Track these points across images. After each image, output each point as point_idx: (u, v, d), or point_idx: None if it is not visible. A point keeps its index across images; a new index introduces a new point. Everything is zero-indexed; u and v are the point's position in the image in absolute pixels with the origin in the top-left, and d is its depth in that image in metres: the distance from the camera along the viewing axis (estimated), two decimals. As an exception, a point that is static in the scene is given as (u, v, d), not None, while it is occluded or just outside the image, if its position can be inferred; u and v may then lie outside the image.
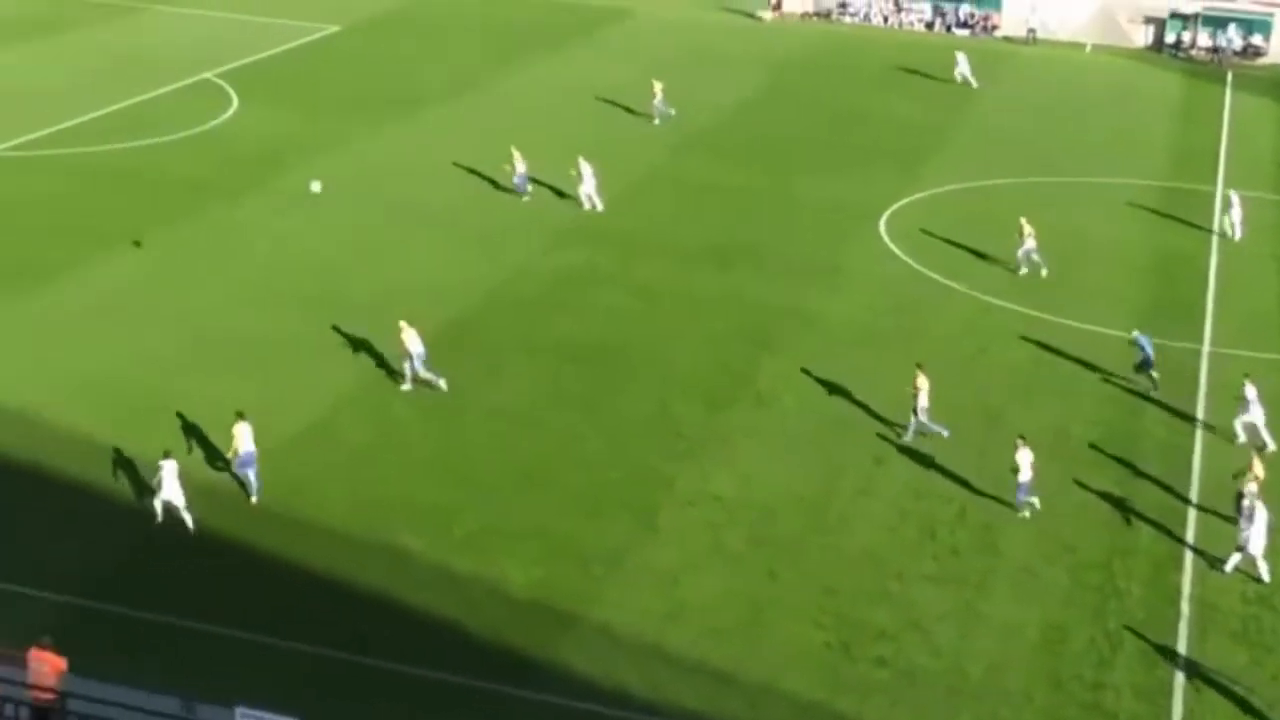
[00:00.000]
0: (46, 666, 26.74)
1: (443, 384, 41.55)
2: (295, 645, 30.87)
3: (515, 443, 39.44)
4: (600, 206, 55.83)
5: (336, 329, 44.93)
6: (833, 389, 42.57)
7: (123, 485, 36.63)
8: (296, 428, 39.58)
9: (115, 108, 65.19)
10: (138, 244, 47.40)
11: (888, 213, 56.87)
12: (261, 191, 56.46)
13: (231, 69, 71.97)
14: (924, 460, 39.03)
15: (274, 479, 36.74)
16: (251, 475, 36.09)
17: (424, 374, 41.52)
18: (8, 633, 28.93)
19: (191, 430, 38.90)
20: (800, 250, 53.20)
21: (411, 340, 41.39)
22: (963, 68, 76.84)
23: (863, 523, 36.44)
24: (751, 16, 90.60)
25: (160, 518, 34.84)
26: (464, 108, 67.93)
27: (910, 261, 52.21)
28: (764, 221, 55.81)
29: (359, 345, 43.91)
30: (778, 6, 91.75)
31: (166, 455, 34.98)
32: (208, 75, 70.67)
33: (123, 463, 37.48)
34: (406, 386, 41.68)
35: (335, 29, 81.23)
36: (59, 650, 26.94)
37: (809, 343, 45.93)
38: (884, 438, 40.19)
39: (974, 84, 76.09)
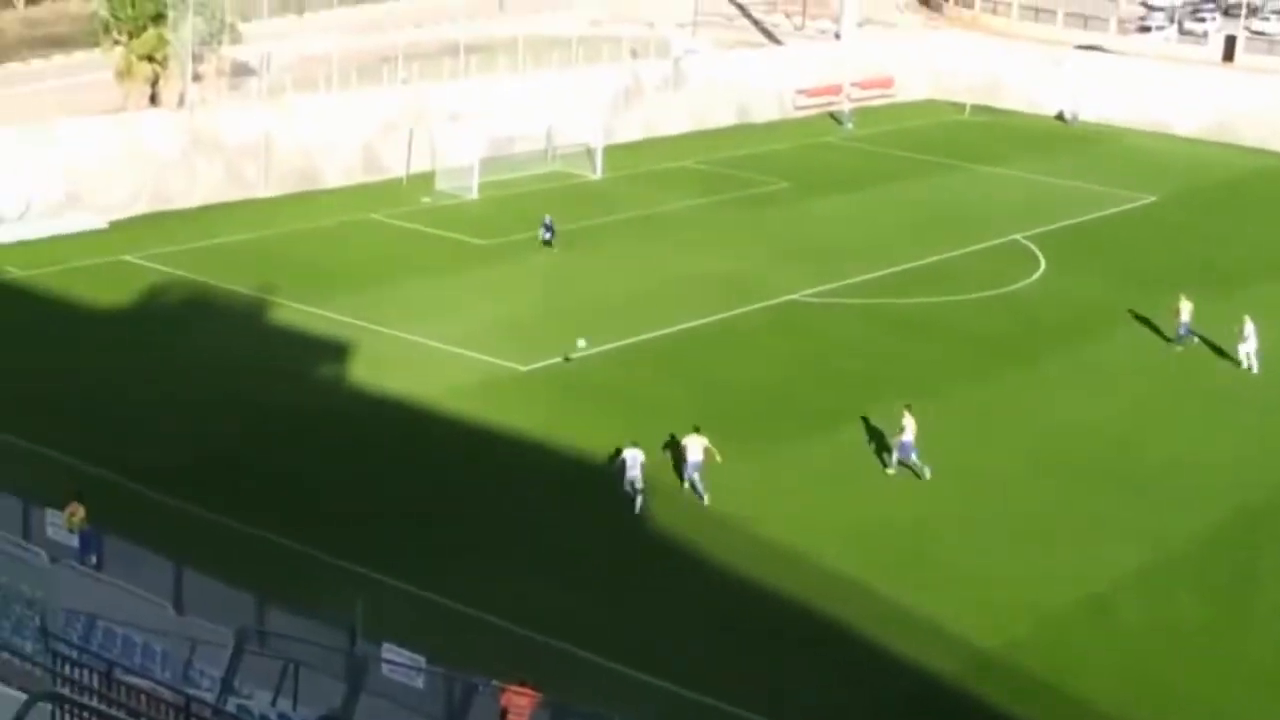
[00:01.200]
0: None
1: (928, 472, 43.13)
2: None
3: (1309, 647, 36.10)
4: (1256, 368, 52.84)
5: (1120, 503, 42.85)
6: None
7: (884, 635, 35.80)
8: (1070, 600, 37.82)
9: (920, 262, 65.28)
10: (567, 359, 50.62)
11: None
12: (1060, 358, 54.71)
13: (1042, 232, 70.74)
14: None
15: (1042, 653, 35.35)
16: (697, 478, 41.33)
17: (911, 460, 43.36)
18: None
19: (950, 591, 37.75)
20: None
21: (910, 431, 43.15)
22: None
23: None
24: None
25: (633, 495, 40.37)
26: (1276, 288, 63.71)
27: None
28: None
29: (1143, 523, 41.63)
30: None
31: (633, 444, 40.83)
32: (1017, 236, 69.89)
33: (888, 612, 36.83)
34: (891, 470, 43.87)
35: (1151, 199, 78.91)
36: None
37: None
38: None
39: None
